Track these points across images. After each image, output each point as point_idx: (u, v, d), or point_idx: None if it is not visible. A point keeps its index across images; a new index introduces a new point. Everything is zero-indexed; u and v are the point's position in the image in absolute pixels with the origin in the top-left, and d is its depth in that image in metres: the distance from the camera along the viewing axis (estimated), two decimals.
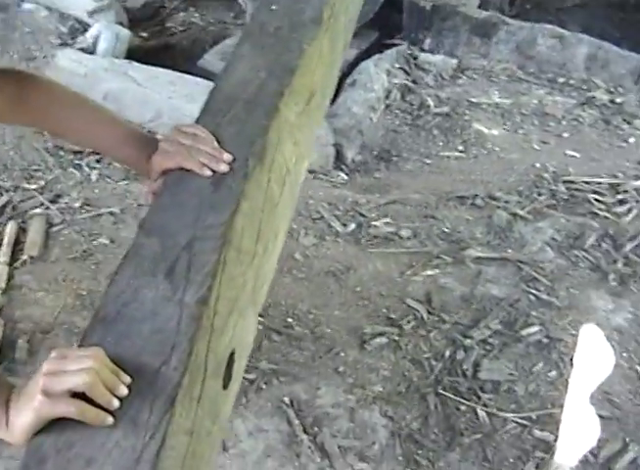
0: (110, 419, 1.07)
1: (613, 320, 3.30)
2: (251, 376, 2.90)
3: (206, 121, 1.61)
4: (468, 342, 3.12)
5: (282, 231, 1.78)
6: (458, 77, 5.18)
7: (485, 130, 4.56)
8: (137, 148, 1.61)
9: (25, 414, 1.09)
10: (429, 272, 3.43)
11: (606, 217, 3.85)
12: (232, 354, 1.38)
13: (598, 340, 3.20)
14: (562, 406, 2.93)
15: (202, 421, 1.23)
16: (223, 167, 1.47)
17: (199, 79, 4.49)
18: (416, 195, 3.92)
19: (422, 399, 2.93)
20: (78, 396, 1.08)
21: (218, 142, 1.53)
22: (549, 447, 2.80)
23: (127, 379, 1.11)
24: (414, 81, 5.02)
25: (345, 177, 4.20)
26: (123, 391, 1.09)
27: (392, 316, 3.20)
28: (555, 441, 2.81)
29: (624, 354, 3.15)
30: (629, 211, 3.91)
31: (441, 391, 2.95)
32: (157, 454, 1.04)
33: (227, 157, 1.49)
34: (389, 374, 3.00)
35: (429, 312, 3.24)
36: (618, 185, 4.10)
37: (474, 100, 4.89)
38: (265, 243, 1.57)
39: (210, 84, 1.76)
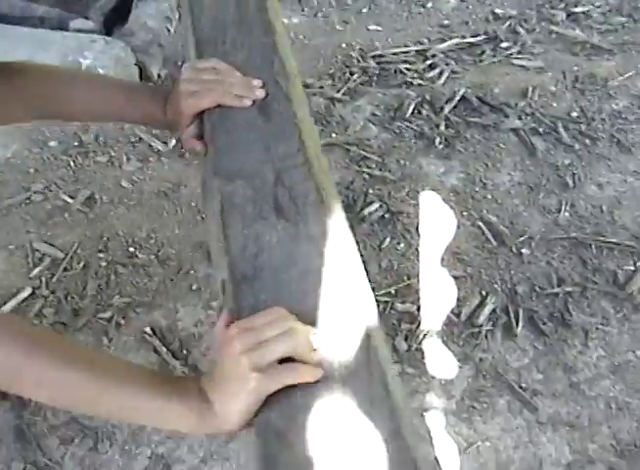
0: (320, 370, 1.00)
1: (447, 182, 3.35)
2: (106, 315, 2.78)
3: (211, 53, 1.50)
4: None
5: None
6: None
7: (285, 20, 4.47)
8: (149, 101, 1.48)
9: (242, 398, 1.01)
10: None
11: (420, 85, 3.88)
12: None
13: (437, 204, 3.25)
14: (417, 276, 2.98)
15: None
16: (260, 93, 1.40)
17: None
18: None
19: None
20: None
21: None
22: (414, 318, 2.84)
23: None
24: None
25: None
26: None
27: None
28: (418, 310, 2.86)
29: (465, 213, 3.22)
30: (441, 73, 3.96)
31: None
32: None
33: (257, 82, 1.41)
34: None
35: None
36: (426, 51, 4.13)
37: None
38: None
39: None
